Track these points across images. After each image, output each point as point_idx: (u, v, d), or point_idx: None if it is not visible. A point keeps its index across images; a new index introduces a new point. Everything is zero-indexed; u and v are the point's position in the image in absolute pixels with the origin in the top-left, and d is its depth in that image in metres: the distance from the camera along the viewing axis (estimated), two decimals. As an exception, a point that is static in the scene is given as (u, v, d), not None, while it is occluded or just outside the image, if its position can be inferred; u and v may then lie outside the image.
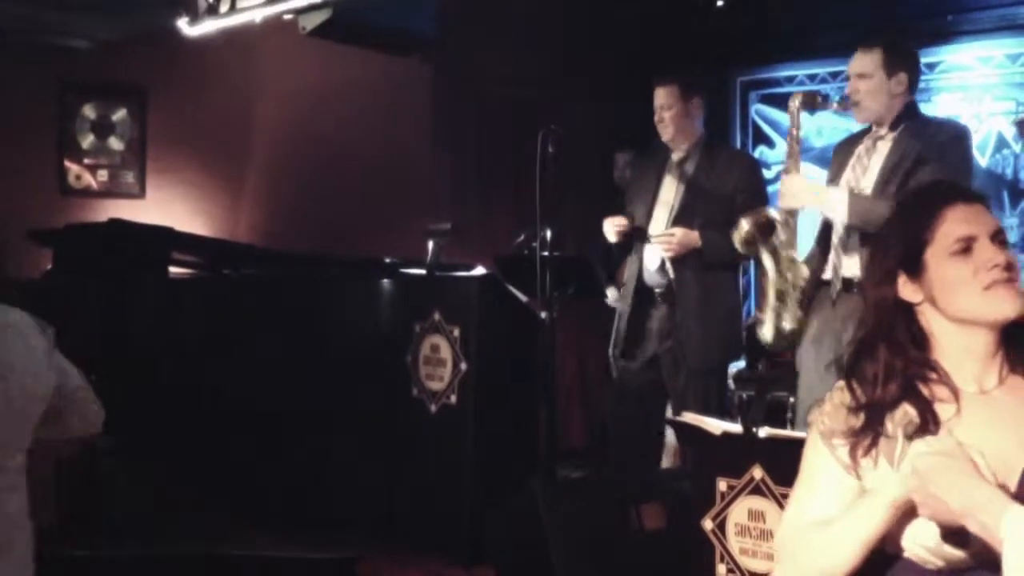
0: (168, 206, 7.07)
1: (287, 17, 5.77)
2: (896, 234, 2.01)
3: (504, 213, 6.41)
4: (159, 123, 7.17)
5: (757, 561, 3.29)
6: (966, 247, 1.92)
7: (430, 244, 5.14)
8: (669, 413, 4.73)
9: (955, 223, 1.94)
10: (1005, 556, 1.62)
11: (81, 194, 7.09)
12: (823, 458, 1.97)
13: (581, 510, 4.13)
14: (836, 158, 4.15)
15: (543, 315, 4.56)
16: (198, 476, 5.17)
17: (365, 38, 6.02)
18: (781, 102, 7.16)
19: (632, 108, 5.72)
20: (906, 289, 1.97)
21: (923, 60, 6.51)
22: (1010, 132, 6.42)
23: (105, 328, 5.33)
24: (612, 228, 4.81)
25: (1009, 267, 1.90)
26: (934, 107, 6.48)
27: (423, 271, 5.21)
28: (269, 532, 4.85)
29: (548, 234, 4.90)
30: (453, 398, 4.82)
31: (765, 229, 3.90)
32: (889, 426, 1.90)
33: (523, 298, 4.92)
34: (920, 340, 1.97)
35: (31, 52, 6.77)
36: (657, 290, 4.79)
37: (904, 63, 3.97)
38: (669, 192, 4.83)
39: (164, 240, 5.65)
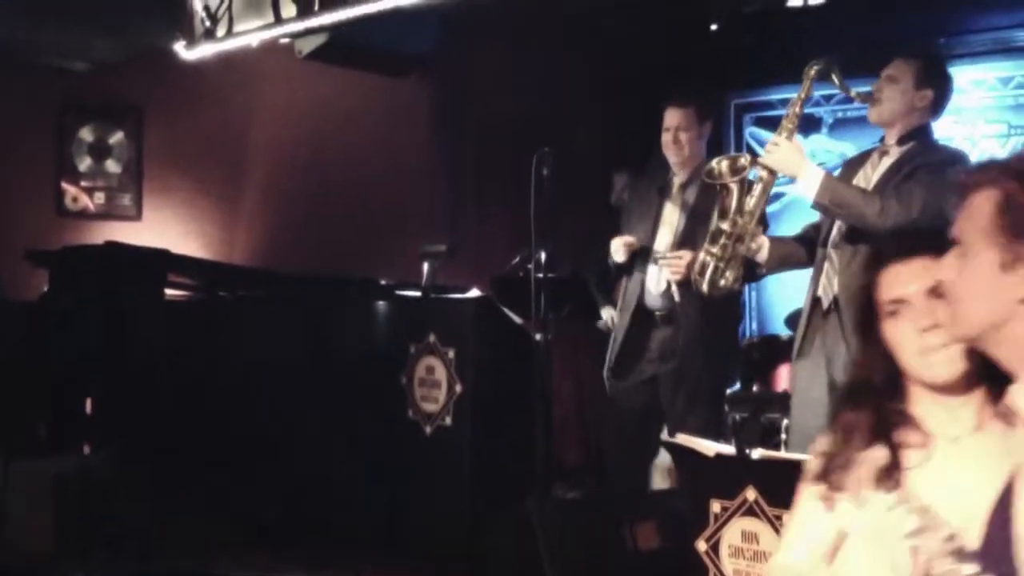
0: (164, 228, 7.08)
1: (284, 41, 5.82)
2: (860, 297, 2.07)
3: (502, 233, 6.43)
4: (156, 145, 7.20)
5: (751, 582, 3.29)
6: (895, 311, 1.96)
7: (425, 266, 5.15)
8: (664, 434, 4.72)
9: (887, 287, 1.98)
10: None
11: (78, 216, 7.11)
12: (806, 499, 2.04)
13: (576, 529, 4.14)
14: (844, 171, 4.16)
15: (538, 336, 4.56)
16: (196, 495, 5.16)
17: (362, 60, 6.07)
18: (775, 125, 7.14)
19: (629, 129, 5.75)
20: (884, 344, 2.00)
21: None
22: (1001, 154, 6.45)
23: (101, 349, 5.32)
24: (622, 247, 4.79)
25: (939, 327, 1.88)
26: (930, 129, 6.52)
27: (418, 293, 5.22)
28: (266, 551, 4.86)
29: (543, 256, 4.91)
30: (448, 419, 4.82)
31: (736, 171, 3.99)
32: (860, 471, 1.96)
33: (518, 320, 4.93)
34: (897, 392, 2.00)
35: (29, 74, 6.80)
36: (658, 312, 4.77)
37: (934, 81, 3.95)
38: (672, 215, 4.80)
39: (160, 262, 5.65)
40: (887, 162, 3.94)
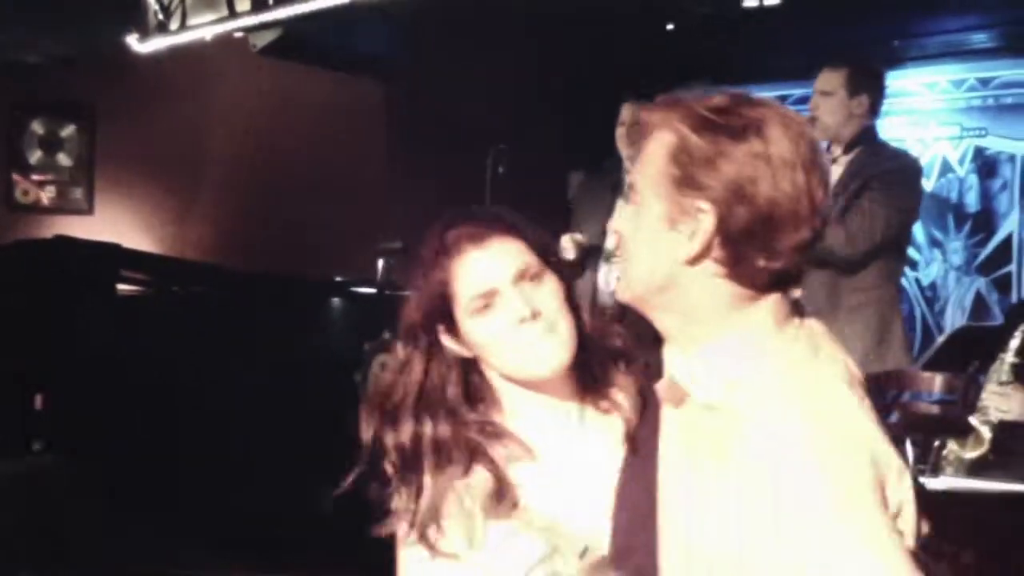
0: (117, 223, 7.00)
1: (238, 35, 5.78)
2: (415, 291, 1.74)
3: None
4: (108, 140, 7.12)
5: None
6: (485, 305, 1.66)
7: (380, 263, 5.13)
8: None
9: (466, 279, 1.67)
10: None
11: (29, 210, 7.02)
12: (407, 551, 1.75)
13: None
14: None
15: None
16: (148, 495, 5.11)
17: (316, 57, 6.05)
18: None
19: (589, 128, 5.74)
20: (452, 344, 1.71)
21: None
22: (954, 156, 6.51)
23: (50, 347, 5.25)
24: (571, 244, 4.78)
25: (537, 314, 1.64)
26: (880, 131, 6.54)
27: (374, 290, 5.19)
28: (219, 553, 4.81)
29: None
30: (403, 418, 4.78)
31: None
32: (465, 499, 1.67)
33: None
34: (479, 396, 1.73)
35: (-20, 67, 6.72)
36: (609, 311, 4.77)
37: (867, 86, 3.97)
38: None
39: (111, 257, 5.58)
40: (836, 171, 3.97)
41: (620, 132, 4.81)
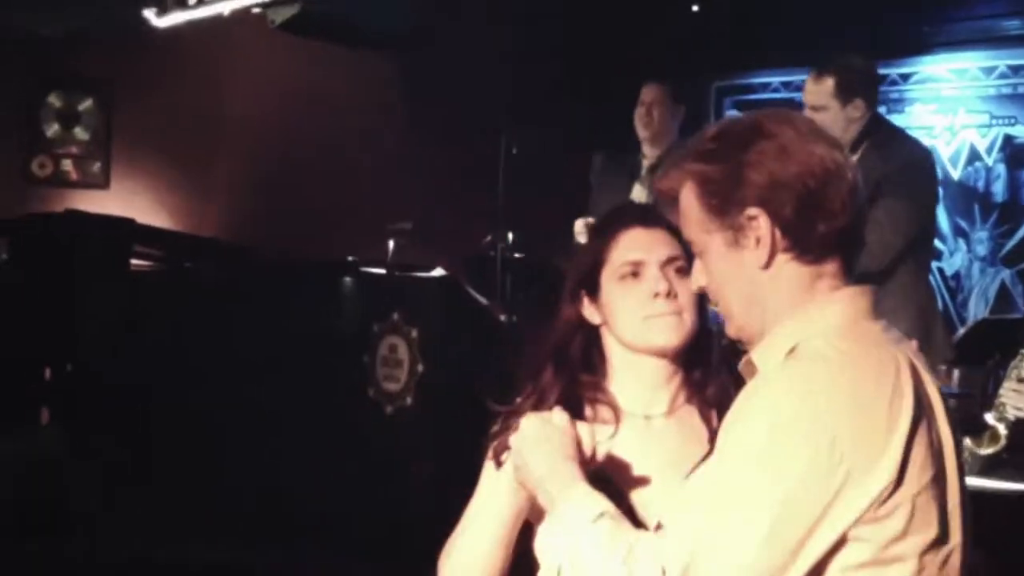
0: (133, 198, 6.98)
1: (256, 10, 5.73)
2: (580, 254, 2.05)
3: (476, 213, 6.35)
4: (126, 114, 7.09)
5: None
6: (633, 272, 1.92)
7: (391, 243, 5.08)
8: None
9: (627, 248, 1.95)
10: (539, 530, 1.65)
11: (46, 183, 7.00)
12: (487, 464, 2.00)
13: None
14: None
15: (503, 318, 4.49)
16: (154, 472, 5.10)
17: (334, 33, 5.98)
18: (756, 108, 7.11)
19: (608, 110, 5.67)
20: (588, 310, 1.97)
21: (897, 71, 6.60)
22: (982, 145, 6.39)
23: (58, 322, 5.24)
24: (584, 228, 4.72)
25: (672, 295, 1.90)
26: (908, 118, 6.47)
27: (383, 271, 5.14)
28: (222, 534, 4.80)
29: (510, 236, 4.85)
30: (409, 399, 4.74)
31: None
32: None
33: (483, 300, 4.85)
34: (594, 362, 1.98)
35: (-1, 39, 6.70)
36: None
37: (858, 88, 3.83)
38: (640, 198, 4.77)
39: (124, 231, 5.57)
40: None
41: (640, 112, 4.76)
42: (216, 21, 5.90)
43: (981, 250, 6.36)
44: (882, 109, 6.54)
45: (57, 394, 5.46)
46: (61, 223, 5.50)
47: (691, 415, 1.96)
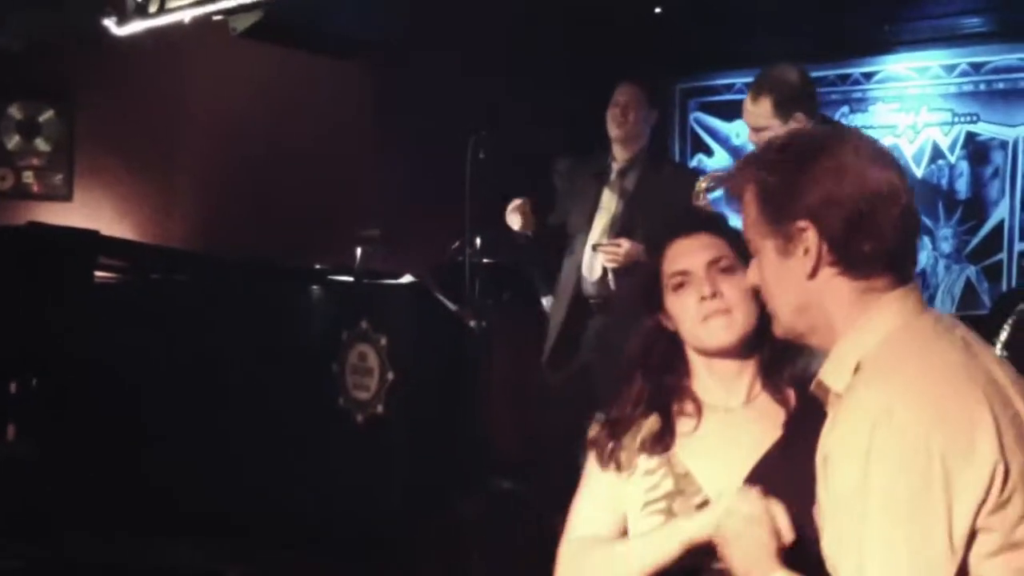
0: (97, 209, 6.91)
1: (217, 18, 5.68)
2: (639, 271, 2.27)
3: (445, 219, 6.33)
4: (88, 125, 7.02)
5: None
6: (681, 283, 2.09)
7: (359, 251, 5.06)
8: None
9: (672, 260, 2.12)
10: None
11: (7, 196, 6.92)
12: (591, 467, 2.12)
13: (506, 525, 4.07)
14: None
15: (472, 323, 4.48)
16: (123, 483, 5.05)
17: (297, 40, 5.95)
18: (721, 110, 7.16)
19: (575, 113, 5.67)
20: (666, 319, 2.14)
21: (860, 70, 6.64)
22: (945, 143, 6.43)
23: (23, 336, 5.18)
24: (516, 213, 4.68)
25: (717, 295, 2.05)
26: (871, 116, 6.51)
27: (351, 279, 5.12)
28: (192, 542, 4.76)
29: (478, 241, 4.84)
30: (380, 408, 4.72)
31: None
32: (636, 438, 2.07)
33: (452, 307, 4.84)
34: (676, 365, 2.13)
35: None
36: (594, 301, 4.72)
37: (797, 102, 3.76)
38: (610, 202, 4.76)
39: (89, 243, 5.50)
40: None
41: (614, 112, 4.73)
42: (177, 29, 5.84)
43: (946, 247, 6.40)
44: (845, 109, 6.65)
45: (23, 408, 5.39)
46: (24, 236, 5.42)
47: (768, 402, 2.08)
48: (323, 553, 4.72)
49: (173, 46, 6.26)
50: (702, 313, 2.06)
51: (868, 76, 6.60)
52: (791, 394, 2.07)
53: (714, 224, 2.19)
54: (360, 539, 4.72)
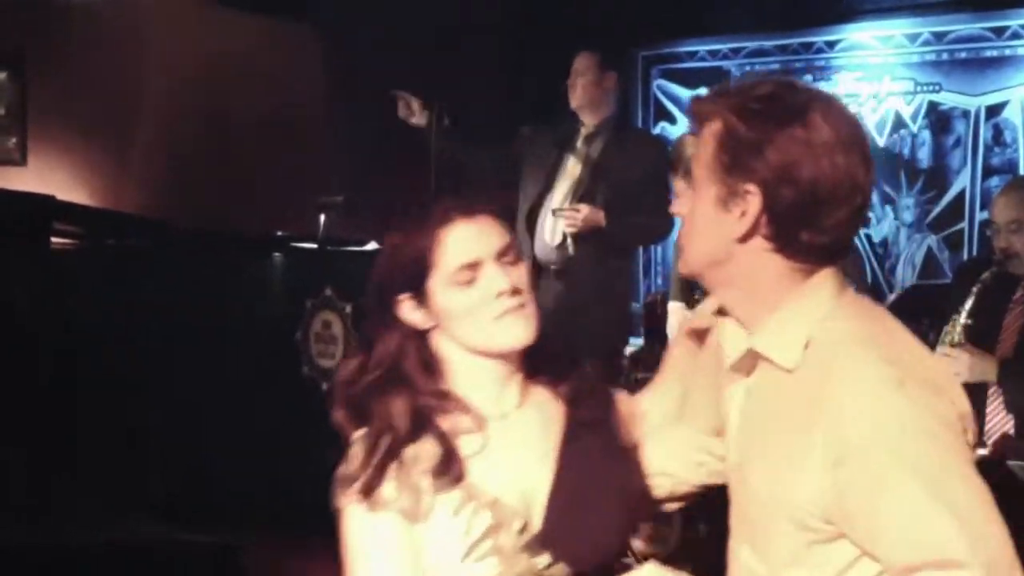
0: (50, 174, 6.78)
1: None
2: (395, 259, 1.78)
3: (408, 186, 6.28)
4: (41, 89, 6.87)
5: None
6: (471, 277, 1.74)
7: (322, 218, 5.01)
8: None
9: (456, 249, 1.74)
10: None
11: (-42, 161, 6.78)
12: (366, 524, 1.76)
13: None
14: None
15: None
16: (82, 461, 4.99)
17: (252, 2, 5.87)
18: (683, 78, 7.14)
19: (539, 81, 5.64)
20: (415, 315, 1.77)
21: (823, 39, 6.64)
22: (907, 112, 6.46)
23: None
24: (416, 107, 4.91)
25: (516, 291, 1.74)
26: (834, 85, 6.52)
27: (314, 246, 5.08)
28: (151, 519, 4.73)
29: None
30: (345, 376, 4.69)
31: None
32: (412, 472, 1.71)
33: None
34: (433, 367, 1.78)
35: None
36: (553, 267, 4.72)
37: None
38: (574, 168, 4.78)
39: (43, 209, 5.41)
40: None
41: (573, 83, 4.75)
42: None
43: (908, 217, 6.44)
44: (808, 77, 6.64)
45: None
46: (-24, 201, 5.32)
47: (540, 394, 1.84)
48: (286, 524, 4.69)
49: (129, 10, 6.16)
50: (498, 309, 1.73)
51: (831, 45, 6.60)
52: (559, 384, 1.84)
53: (488, 203, 1.83)
54: (325, 509, 4.68)
